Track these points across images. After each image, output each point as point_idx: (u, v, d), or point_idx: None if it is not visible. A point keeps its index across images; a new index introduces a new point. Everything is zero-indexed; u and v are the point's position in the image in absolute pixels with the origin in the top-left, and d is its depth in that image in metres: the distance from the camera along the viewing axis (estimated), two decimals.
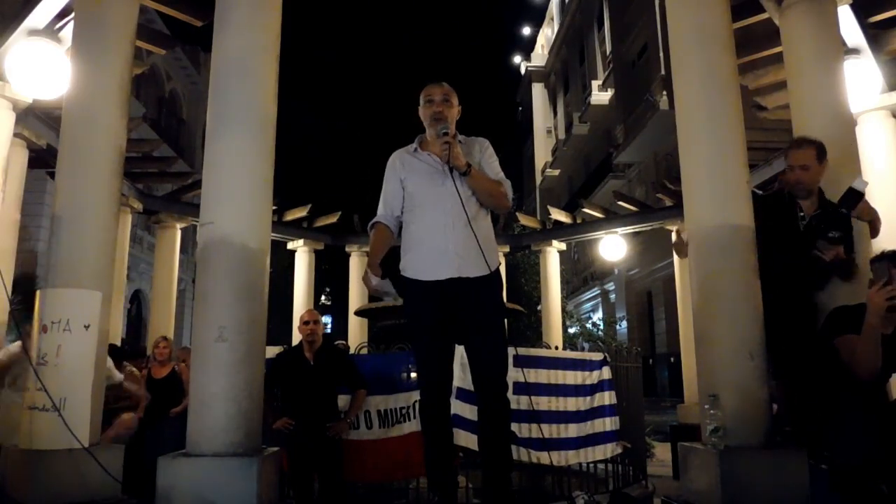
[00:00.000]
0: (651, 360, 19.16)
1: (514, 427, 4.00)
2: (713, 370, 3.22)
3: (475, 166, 2.91)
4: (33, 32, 4.94)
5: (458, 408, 4.16)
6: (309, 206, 10.56)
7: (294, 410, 4.29)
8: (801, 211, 3.51)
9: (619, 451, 4.73)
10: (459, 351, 3.86)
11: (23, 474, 3.23)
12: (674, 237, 3.42)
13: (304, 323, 4.47)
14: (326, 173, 32.27)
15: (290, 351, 4.64)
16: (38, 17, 4.88)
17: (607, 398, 4.72)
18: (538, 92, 32.41)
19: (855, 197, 3.48)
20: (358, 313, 7.98)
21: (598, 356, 4.89)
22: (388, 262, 3.00)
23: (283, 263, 13.27)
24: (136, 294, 19.28)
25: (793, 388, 3.55)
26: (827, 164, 3.48)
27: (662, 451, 7.39)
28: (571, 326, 18.42)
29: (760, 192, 4.12)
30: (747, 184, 3.46)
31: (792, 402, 3.55)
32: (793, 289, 3.80)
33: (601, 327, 18.61)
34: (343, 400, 4.46)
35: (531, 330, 15.87)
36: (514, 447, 3.98)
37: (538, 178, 31.23)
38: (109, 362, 4.51)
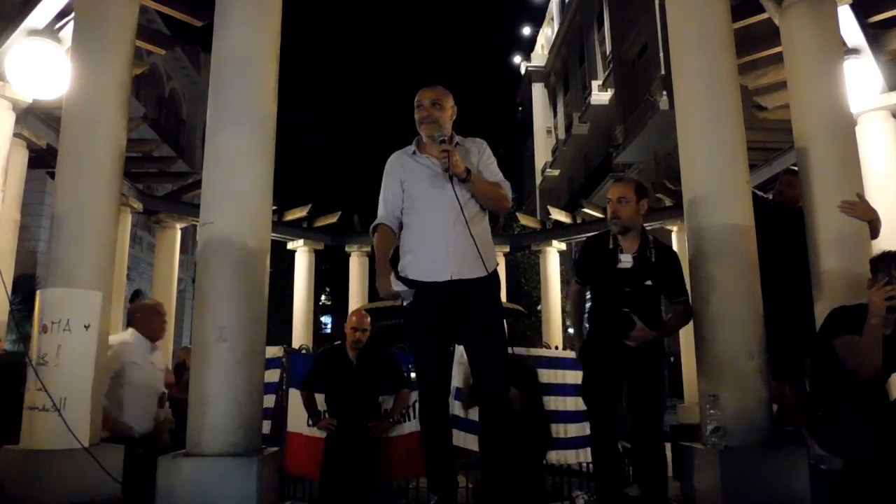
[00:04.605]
0: None
1: None
2: (713, 370, 3.22)
3: (474, 168, 2.93)
4: (33, 32, 4.94)
5: (458, 408, 4.16)
6: (309, 206, 10.57)
7: (336, 410, 4.30)
8: (621, 249, 3.21)
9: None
10: (459, 351, 3.86)
11: (23, 474, 3.23)
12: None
13: (353, 329, 4.36)
14: (326, 173, 32.18)
15: (333, 350, 4.59)
16: (38, 17, 4.88)
17: None
18: (538, 92, 32.38)
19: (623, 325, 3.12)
20: None
21: None
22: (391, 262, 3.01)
23: (283, 263, 13.28)
24: (136, 294, 19.26)
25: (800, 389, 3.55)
26: (646, 205, 3.28)
27: None
28: (571, 326, 18.40)
29: (761, 194, 4.11)
30: (747, 184, 3.46)
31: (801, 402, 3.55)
32: (794, 291, 3.81)
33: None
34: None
35: (531, 330, 15.87)
36: None
37: (538, 178, 31.20)
38: None
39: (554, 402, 4.54)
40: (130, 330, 4.03)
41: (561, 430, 4.48)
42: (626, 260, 3.19)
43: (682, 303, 3.25)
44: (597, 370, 3.22)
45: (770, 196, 4.30)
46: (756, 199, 3.53)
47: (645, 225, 3.35)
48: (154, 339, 4.06)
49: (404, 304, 2.95)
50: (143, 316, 4.07)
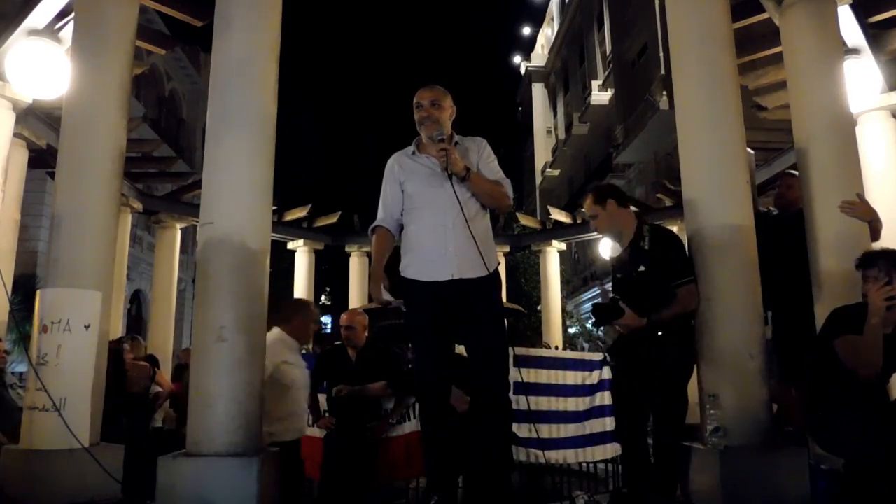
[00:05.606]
0: None
1: (514, 427, 3.99)
2: (713, 370, 3.21)
3: (473, 167, 2.93)
4: (33, 32, 4.94)
5: None
6: (309, 206, 10.57)
7: (336, 409, 4.30)
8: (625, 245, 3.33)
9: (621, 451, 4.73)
10: (459, 350, 3.86)
11: (23, 474, 3.23)
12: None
13: (341, 327, 4.42)
14: (326, 173, 32.25)
15: (334, 349, 4.62)
16: (38, 17, 4.88)
17: (608, 398, 4.71)
18: (538, 92, 32.37)
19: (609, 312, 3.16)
20: None
21: (598, 356, 4.89)
22: (389, 267, 3.03)
23: (283, 263, 13.29)
24: (136, 294, 19.26)
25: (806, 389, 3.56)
26: (614, 204, 3.27)
27: None
28: (571, 326, 18.42)
29: (763, 209, 4.10)
30: (747, 184, 3.46)
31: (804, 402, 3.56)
32: (795, 292, 3.80)
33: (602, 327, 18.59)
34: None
35: (531, 330, 15.86)
36: (514, 447, 3.98)
37: (538, 178, 31.19)
38: None
39: (554, 403, 4.54)
40: (276, 331, 3.92)
41: (561, 430, 4.49)
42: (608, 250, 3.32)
43: (680, 285, 3.14)
44: (615, 365, 3.36)
45: (773, 210, 4.26)
46: (757, 215, 3.54)
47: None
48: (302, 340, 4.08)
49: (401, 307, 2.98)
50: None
